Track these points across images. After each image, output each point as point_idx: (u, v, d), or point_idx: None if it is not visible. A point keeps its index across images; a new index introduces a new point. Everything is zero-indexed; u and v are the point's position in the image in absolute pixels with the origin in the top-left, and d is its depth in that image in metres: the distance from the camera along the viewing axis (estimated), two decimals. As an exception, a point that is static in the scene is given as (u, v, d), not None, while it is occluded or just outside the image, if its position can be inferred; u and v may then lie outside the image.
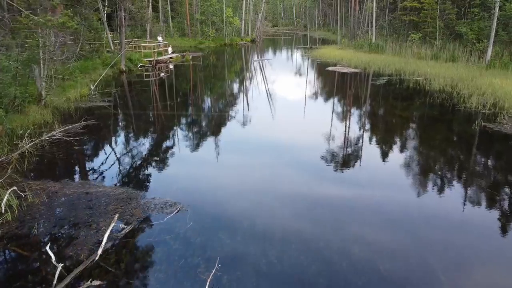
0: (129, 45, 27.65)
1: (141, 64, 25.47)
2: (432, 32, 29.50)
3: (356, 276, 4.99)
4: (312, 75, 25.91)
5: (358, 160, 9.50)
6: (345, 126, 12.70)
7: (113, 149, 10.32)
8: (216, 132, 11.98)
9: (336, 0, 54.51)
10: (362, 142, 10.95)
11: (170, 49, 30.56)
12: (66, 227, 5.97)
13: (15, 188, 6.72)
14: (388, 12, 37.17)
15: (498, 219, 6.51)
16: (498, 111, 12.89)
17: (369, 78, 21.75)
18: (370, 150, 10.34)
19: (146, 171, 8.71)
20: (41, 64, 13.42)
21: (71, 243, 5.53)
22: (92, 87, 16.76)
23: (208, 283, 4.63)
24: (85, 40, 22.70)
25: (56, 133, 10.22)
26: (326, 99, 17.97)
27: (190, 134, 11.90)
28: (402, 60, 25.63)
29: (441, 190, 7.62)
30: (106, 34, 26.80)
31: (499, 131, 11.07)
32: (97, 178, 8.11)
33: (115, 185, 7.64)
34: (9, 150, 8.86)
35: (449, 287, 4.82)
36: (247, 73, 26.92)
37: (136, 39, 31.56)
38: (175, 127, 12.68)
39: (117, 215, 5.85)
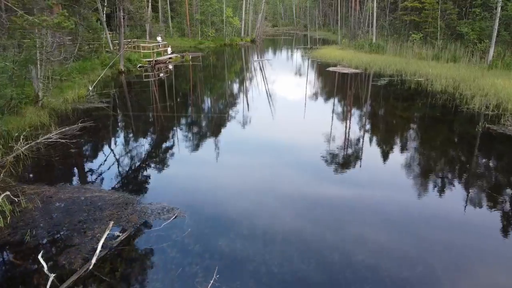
0: (128, 45, 27.49)
1: (140, 65, 25.29)
2: (433, 32, 29.32)
3: (357, 276, 4.90)
4: (312, 75, 25.72)
5: (360, 162, 9.32)
6: (347, 127, 12.52)
7: (110, 151, 10.13)
8: (215, 133, 11.80)
9: (336, 0, 54.35)
10: (364, 143, 10.76)
11: (169, 49, 30.38)
12: (60, 234, 5.79)
13: (8, 193, 6.54)
14: (388, 12, 36.99)
15: (502, 221, 6.34)
16: (501, 112, 12.71)
17: (370, 78, 21.56)
18: (372, 151, 10.16)
19: (143, 174, 8.54)
20: (38, 65, 13.24)
21: (65, 251, 5.34)
22: (90, 88, 16.58)
23: (206, 294, 4.45)
24: (83, 41, 22.52)
25: (53, 135, 10.03)
26: (327, 99, 17.79)
27: (190, 136, 11.71)
28: (403, 60, 25.46)
29: (445, 193, 7.44)
30: (105, 34, 26.63)
31: (503, 133, 10.89)
32: (93, 182, 7.92)
33: (112, 189, 7.46)
34: (4, 153, 8.67)
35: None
36: (247, 73, 26.74)
37: (135, 39, 31.40)
38: (174, 129, 12.50)
39: (112, 223, 5.67)
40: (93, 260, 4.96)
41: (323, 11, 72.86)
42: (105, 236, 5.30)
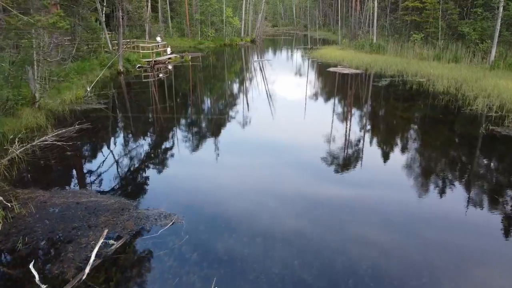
0: (127, 46, 27.29)
1: (139, 65, 25.09)
2: (434, 32, 29.14)
3: (357, 276, 4.88)
4: (313, 76, 25.53)
5: (363, 164, 9.11)
6: (348, 128, 12.33)
7: (107, 154, 9.93)
8: (215, 135, 11.60)
9: (336, 0, 54.17)
10: (366, 145, 10.57)
11: (169, 50, 30.19)
12: (53, 241, 5.60)
13: (0, 198, 6.36)
14: (389, 12, 36.81)
15: (505, 224, 6.16)
16: (505, 114, 12.52)
17: (371, 79, 21.37)
18: (374, 152, 9.97)
19: (141, 178, 8.35)
20: (35, 66, 13.06)
21: (58, 259, 5.15)
22: (88, 89, 16.39)
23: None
24: (82, 41, 22.33)
25: (48, 137, 9.85)
26: (328, 100, 17.61)
27: (189, 138, 11.51)
28: (404, 60, 25.28)
29: (450, 196, 7.25)
30: (104, 34, 26.43)
31: (507, 135, 10.70)
32: (89, 186, 7.73)
33: (108, 194, 7.27)
34: (-2, 156, 8.49)
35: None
36: (247, 74, 26.55)
37: (135, 40, 31.21)
38: (173, 130, 12.31)
39: (106, 230, 5.47)
40: (87, 270, 4.77)
41: (323, 11, 72.68)
42: (99, 244, 5.12)
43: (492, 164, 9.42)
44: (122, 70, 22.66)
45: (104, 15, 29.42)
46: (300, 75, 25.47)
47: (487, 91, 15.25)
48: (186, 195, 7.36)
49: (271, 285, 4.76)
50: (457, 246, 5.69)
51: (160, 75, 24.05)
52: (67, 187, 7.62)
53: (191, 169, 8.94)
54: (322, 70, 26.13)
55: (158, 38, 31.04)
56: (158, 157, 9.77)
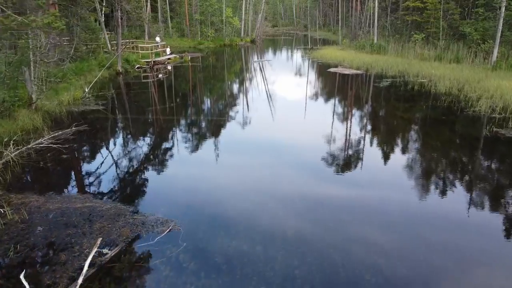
0: (127, 46, 27.11)
1: (138, 65, 24.91)
2: (435, 32, 28.95)
3: (358, 277, 4.87)
4: (314, 77, 25.35)
5: (365, 167, 8.91)
6: (350, 130, 12.14)
7: (104, 157, 9.72)
8: (215, 138, 11.40)
9: (337, 0, 53.99)
10: (368, 147, 10.38)
11: (168, 50, 30.01)
12: (46, 249, 5.41)
13: (-8, 204, 6.17)
14: (390, 12, 36.63)
15: (507, 226, 5.99)
16: (509, 115, 12.32)
17: (372, 80, 21.18)
18: (377, 155, 9.78)
19: (138, 182, 8.16)
20: (32, 66, 12.87)
21: (50, 269, 4.96)
22: (86, 90, 16.20)
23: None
24: (81, 41, 22.15)
25: (44, 140, 9.64)
26: (330, 102, 17.42)
27: (188, 140, 11.31)
28: (405, 61, 25.09)
29: (454, 199, 7.06)
30: (104, 34, 26.25)
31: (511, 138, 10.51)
32: (84, 190, 7.54)
33: (104, 199, 7.08)
34: (-8, 159, 8.30)
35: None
36: (247, 74, 26.36)
37: (134, 40, 31.03)
38: (172, 133, 12.12)
39: (100, 239, 5.28)
40: (80, 280, 4.58)
41: (323, 11, 72.49)
42: (92, 254, 4.92)
43: (497, 167, 9.22)
44: (121, 70, 22.47)
45: (103, 15, 29.28)
46: (300, 75, 25.28)
47: (489, 92, 15.05)
48: (184, 200, 7.17)
49: (271, 296, 4.58)
50: (468, 251, 5.51)
51: (160, 75, 23.87)
52: (62, 192, 7.43)
53: (190, 172, 8.75)
54: (323, 70, 25.95)
55: (158, 38, 30.86)
56: (156, 160, 9.59)
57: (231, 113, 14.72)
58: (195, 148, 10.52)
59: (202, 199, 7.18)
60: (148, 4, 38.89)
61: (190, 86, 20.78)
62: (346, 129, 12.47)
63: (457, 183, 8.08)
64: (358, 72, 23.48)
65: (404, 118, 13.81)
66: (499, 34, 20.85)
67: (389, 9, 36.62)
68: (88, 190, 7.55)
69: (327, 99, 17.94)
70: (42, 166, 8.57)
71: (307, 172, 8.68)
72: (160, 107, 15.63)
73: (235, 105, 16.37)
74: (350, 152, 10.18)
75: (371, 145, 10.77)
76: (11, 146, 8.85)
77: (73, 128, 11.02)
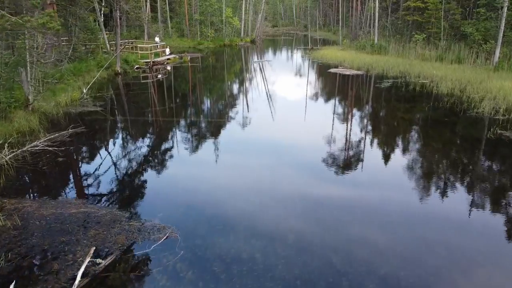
0: (126, 46, 26.92)
1: (137, 66, 24.73)
2: (437, 32, 28.77)
3: (358, 278, 4.78)
4: (314, 77, 25.16)
5: (368, 170, 8.72)
6: (353, 132, 11.95)
7: (100, 161, 9.50)
8: (214, 141, 11.21)
9: (337, 0, 53.81)
10: (371, 149, 10.20)
11: (167, 50, 29.83)
12: (38, 257, 5.21)
13: (-16, 210, 5.98)
14: (390, 12, 36.44)
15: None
16: (512, 117, 12.16)
17: (373, 80, 20.99)
18: (379, 157, 9.59)
19: (135, 187, 7.97)
20: (28, 67, 12.68)
21: (42, 279, 4.77)
22: (84, 91, 16.01)
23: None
24: (79, 41, 21.96)
25: (40, 142, 9.46)
26: (331, 103, 17.24)
27: (187, 143, 11.09)
28: (406, 61, 24.91)
29: (459, 203, 6.87)
30: (103, 34, 26.07)
31: (516, 140, 10.33)
32: (80, 195, 7.34)
33: (99, 204, 6.89)
34: (-14, 162, 8.11)
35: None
36: (247, 75, 26.17)
37: (133, 40, 30.85)
38: (171, 135, 11.93)
39: (93, 248, 5.09)
40: (72, 292, 4.40)
41: (324, 11, 72.29)
42: (85, 264, 4.73)
43: (501, 169, 9.02)
44: (119, 71, 22.27)
45: (102, 15, 29.12)
46: (301, 76, 25.10)
47: (492, 93, 14.87)
48: (182, 205, 6.98)
49: (272, 308, 4.39)
50: (471, 253, 5.33)
51: (159, 76, 23.68)
52: (57, 197, 7.23)
53: (188, 176, 8.57)
54: (323, 71, 25.76)
55: (157, 39, 30.68)
56: (155, 163, 9.39)
57: (231, 115, 14.53)
58: (194, 151, 10.33)
59: (201, 204, 6.99)
60: (148, 4, 38.68)
61: (189, 87, 20.59)
62: (348, 130, 12.29)
63: (462, 186, 7.90)
64: (359, 72, 23.28)
65: (406, 119, 13.62)
66: (501, 34, 20.67)
67: (390, 9, 36.43)
68: (84, 195, 7.36)
69: (328, 100, 17.75)
70: (37, 169, 8.38)
71: (309, 175, 8.50)
72: (159, 108, 15.44)
73: (234, 106, 16.19)
74: (352, 154, 10.00)
75: (373, 147, 10.58)
76: (5, 148, 8.67)
77: (70, 130, 10.84)
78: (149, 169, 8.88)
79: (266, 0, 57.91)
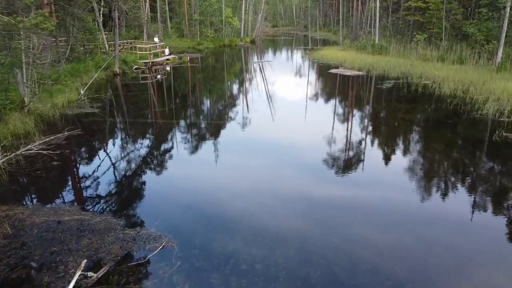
0: (125, 46, 26.68)
1: (136, 66, 24.50)
2: (438, 33, 28.53)
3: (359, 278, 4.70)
4: (314, 78, 24.92)
5: (371, 175, 8.50)
6: (355, 134, 11.72)
7: (96, 165, 9.20)
8: (213, 144, 10.97)
9: (337, 0, 53.59)
10: (374, 152, 9.97)
11: (167, 51, 29.61)
12: (27, 269, 4.98)
13: (-27, 217, 5.75)
14: (391, 12, 36.20)
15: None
16: (517, 119, 11.92)
17: (375, 81, 20.75)
18: (383, 161, 9.36)
19: (131, 193, 7.72)
20: (24, 68, 12.45)
21: (31, 292, 4.55)
22: (81, 92, 15.78)
23: None
24: (77, 42, 21.72)
25: (34, 146, 9.22)
26: (333, 105, 17.00)
27: (185, 147, 10.81)
28: (407, 62, 24.68)
29: (464, 208, 6.64)
30: (101, 35, 25.85)
31: (522, 143, 10.10)
32: (74, 201, 7.10)
33: (94, 211, 6.66)
34: (-22, 167, 7.88)
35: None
36: (247, 75, 25.93)
37: (132, 40, 30.60)
38: (169, 138, 11.69)
39: (84, 261, 4.85)
40: (62, 307, 4.16)
41: (324, 11, 72.05)
42: (75, 278, 4.50)
43: (508, 173, 8.78)
44: (118, 71, 22.03)
45: (101, 15, 28.87)
46: (301, 76, 24.86)
47: (496, 94, 14.64)
48: (180, 212, 6.75)
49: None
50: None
51: (158, 76, 23.45)
52: (49, 203, 7.00)
53: (187, 182, 8.32)
54: (324, 71, 25.52)
55: (156, 39, 30.46)
56: (153, 168, 9.12)
57: (231, 115, 14.31)
58: (194, 154, 10.10)
59: (199, 211, 6.76)
60: (147, 4, 38.44)
61: (189, 88, 20.36)
62: (350, 132, 12.05)
63: (469, 190, 7.66)
64: (360, 73, 23.05)
65: (409, 121, 13.39)
66: (503, 35, 20.42)
67: (391, 9, 36.19)
68: (78, 201, 7.12)
69: (329, 101, 17.53)
70: (30, 174, 8.15)
71: (312, 177, 8.27)
72: (158, 109, 15.21)
73: (234, 106, 15.96)
74: (357, 157, 9.77)
75: (376, 149, 10.36)
76: (-1, 152, 8.45)
77: (66, 133, 10.61)
78: (147, 174, 8.65)
79: (266, 0, 57.66)
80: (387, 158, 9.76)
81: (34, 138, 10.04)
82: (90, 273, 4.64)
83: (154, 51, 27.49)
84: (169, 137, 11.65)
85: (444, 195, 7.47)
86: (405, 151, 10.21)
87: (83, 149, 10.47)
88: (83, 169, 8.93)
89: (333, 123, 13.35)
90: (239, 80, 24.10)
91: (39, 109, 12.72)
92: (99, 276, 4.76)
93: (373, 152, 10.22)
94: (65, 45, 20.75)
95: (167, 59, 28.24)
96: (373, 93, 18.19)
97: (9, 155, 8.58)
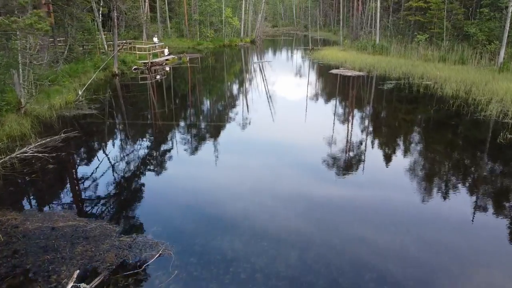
0: (124, 47, 26.50)
1: (136, 67, 24.32)
2: (439, 33, 28.34)
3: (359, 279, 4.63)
4: (315, 79, 24.73)
5: (374, 179, 8.31)
6: (357, 137, 11.53)
7: (93, 169, 8.99)
8: (212, 148, 10.78)
9: (337, 0, 53.42)
10: (375, 155, 9.78)
11: (166, 51, 29.44)
12: (19, 279, 4.79)
13: (-36, 224, 5.57)
14: (392, 12, 36.02)
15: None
16: (521, 120, 11.74)
17: (376, 82, 20.57)
18: (385, 164, 9.18)
19: (127, 198, 7.50)
20: (20, 69, 12.27)
21: (21, 304, 4.36)
22: (79, 93, 15.60)
23: None
24: (76, 42, 21.53)
25: (30, 149, 9.03)
26: (334, 106, 16.80)
27: (184, 150, 10.58)
28: (409, 62, 24.49)
29: (470, 213, 6.46)
30: (100, 35, 25.67)
31: (527, 145, 9.91)
32: (69, 206, 6.91)
33: (89, 216, 6.46)
34: (-29, 170, 7.70)
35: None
36: (247, 75, 25.74)
37: (131, 40, 30.42)
38: (168, 140, 11.49)
39: (77, 272, 4.67)
40: (53, 320, 3.98)
41: (324, 11, 71.86)
42: (68, 289, 4.32)
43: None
44: (117, 72, 21.85)
45: (101, 15, 28.69)
46: (302, 77, 24.68)
47: (499, 95, 14.46)
48: (178, 218, 6.56)
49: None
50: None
51: (157, 77, 23.27)
52: (44, 208, 6.81)
53: (186, 186, 8.10)
54: (324, 72, 25.33)
55: (155, 39, 30.28)
56: (151, 172, 8.89)
57: (231, 117, 14.12)
58: (192, 157, 9.91)
59: (197, 217, 6.57)
60: (147, 4, 38.25)
61: (188, 88, 20.18)
62: (351, 133, 11.86)
63: (474, 194, 7.48)
64: (361, 73, 22.87)
65: (411, 122, 13.20)
66: (506, 35, 20.22)
67: (391, 9, 36.01)
68: (73, 206, 6.94)
69: (330, 102, 17.34)
70: (25, 178, 7.97)
71: (313, 177, 8.09)
72: (157, 110, 15.02)
73: (234, 107, 15.78)
74: (359, 158, 9.59)
75: (377, 151, 10.17)
76: (-7, 155, 8.27)
77: (62, 135, 10.42)
78: (145, 178, 8.45)
79: (266, 0, 57.48)
80: (390, 160, 9.57)
81: (30, 141, 9.86)
82: (83, 285, 4.44)
83: (154, 51, 27.32)
84: (168, 139, 11.46)
85: (451, 199, 7.29)
86: (409, 153, 10.01)
87: (79, 152, 10.29)
88: (79, 173, 8.74)
89: (334, 123, 13.17)
90: (239, 81, 23.92)
91: (36, 110, 12.54)
92: (93, 286, 4.58)
93: (375, 154, 10.03)
94: (64, 45, 20.58)
95: (167, 59, 28.06)
96: (374, 93, 18.00)
97: (4, 158, 8.39)
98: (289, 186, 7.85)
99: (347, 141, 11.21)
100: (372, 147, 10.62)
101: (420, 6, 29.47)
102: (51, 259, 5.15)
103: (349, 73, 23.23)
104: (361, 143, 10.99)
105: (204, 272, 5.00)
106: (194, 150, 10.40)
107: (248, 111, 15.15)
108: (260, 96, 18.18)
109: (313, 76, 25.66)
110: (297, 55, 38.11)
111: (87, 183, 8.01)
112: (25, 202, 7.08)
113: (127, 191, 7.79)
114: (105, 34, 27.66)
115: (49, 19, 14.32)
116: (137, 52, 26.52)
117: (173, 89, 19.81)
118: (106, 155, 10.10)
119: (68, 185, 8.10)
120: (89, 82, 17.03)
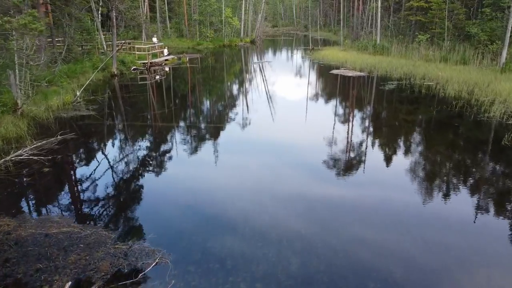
0: (123, 47, 26.32)
1: (135, 67, 24.13)
2: (440, 33, 28.14)
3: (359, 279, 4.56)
4: (316, 79, 24.54)
5: (377, 184, 8.13)
6: (359, 139, 11.34)
7: (89, 173, 8.70)
8: (211, 150, 10.58)
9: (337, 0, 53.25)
10: (381, 159, 9.59)
11: (166, 51, 29.25)
12: (9, 289, 4.62)
13: (-47, 231, 5.38)
14: (392, 12, 35.83)
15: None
16: (526, 122, 11.55)
17: (377, 82, 20.38)
18: (390, 168, 8.99)
19: (124, 203, 7.28)
20: (17, 70, 12.09)
21: (11, 316, 4.18)
22: (77, 93, 15.41)
23: None
24: (74, 42, 21.35)
25: (25, 151, 8.85)
26: (334, 106, 16.62)
27: (183, 153, 10.36)
28: (410, 62, 24.30)
29: (475, 218, 6.28)
30: (99, 35, 25.49)
31: (532, 147, 9.72)
32: (64, 212, 6.72)
33: (84, 222, 6.27)
34: (-36, 174, 7.52)
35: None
36: (247, 76, 25.55)
37: (130, 40, 30.24)
38: (167, 143, 11.29)
39: (69, 283, 4.48)
40: (43, 335, 3.80)
41: (324, 11, 71.65)
42: (59, 302, 4.13)
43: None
44: (116, 72, 21.66)
45: (100, 15, 28.51)
46: (302, 77, 24.48)
47: (502, 96, 14.28)
48: (175, 224, 6.38)
49: None
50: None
51: (157, 77, 23.08)
52: (38, 214, 6.64)
53: (185, 191, 7.89)
54: (325, 72, 25.14)
55: (154, 39, 30.09)
56: (149, 175, 8.67)
57: (231, 118, 13.93)
58: (191, 160, 9.71)
59: (195, 223, 6.38)
60: (146, 4, 38.08)
61: (188, 88, 19.99)
62: (352, 134, 11.68)
63: (479, 197, 7.29)
64: (362, 74, 22.69)
65: (413, 123, 13.01)
66: (508, 35, 20.04)
67: (392, 9, 35.82)
68: (68, 212, 6.74)
69: (330, 102, 17.16)
70: (20, 181, 7.79)
71: (314, 178, 7.90)
72: (156, 111, 14.83)
73: (234, 107, 15.58)
74: (360, 159, 9.40)
75: (379, 152, 9.99)
76: (-13, 158, 8.08)
77: (59, 137, 10.24)
78: (142, 182, 8.25)
79: (266, 0, 57.29)
80: (391, 161, 9.39)
81: (26, 143, 9.67)
82: (75, 297, 4.27)
83: (153, 51, 27.13)
84: (168, 142, 11.26)
85: (454, 201, 7.10)
86: (410, 154, 9.82)
87: (76, 155, 10.09)
88: (75, 176, 8.55)
89: (334, 124, 12.98)
90: (239, 81, 23.74)
91: (32, 111, 12.35)
92: (86, 297, 4.40)
93: (376, 154, 9.85)
94: (62, 45, 20.40)
95: (166, 60, 27.88)
96: (375, 94, 17.81)
97: (-2, 161, 8.21)
98: (289, 187, 7.67)
99: (347, 141, 11.04)
100: (373, 148, 10.44)
101: (421, 6, 29.27)
102: (43, 268, 4.97)
103: (349, 73, 23.04)
104: (362, 144, 10.81)
105: (203, 282, 4.81)
106: (193, 152, 10.21)
107: (248, 111, 14.96)
108: (260, 97, 18.00)
109: (313, 76, 25.47)
110: (297, 55, 37.93)
111: (82, 187, 7.83)
112: (19, 207, 6.89)
113: (124, 195, 7.59)
114: (104, 34, 27.48)
115: (44, 19, 14.09)
116: (136, 52, 26.34)
117: (173, 90, 19.63)
118: (103, 158, 9.89)
119: (63, 189, 7.91)
120: (87, 83, 16.85)
